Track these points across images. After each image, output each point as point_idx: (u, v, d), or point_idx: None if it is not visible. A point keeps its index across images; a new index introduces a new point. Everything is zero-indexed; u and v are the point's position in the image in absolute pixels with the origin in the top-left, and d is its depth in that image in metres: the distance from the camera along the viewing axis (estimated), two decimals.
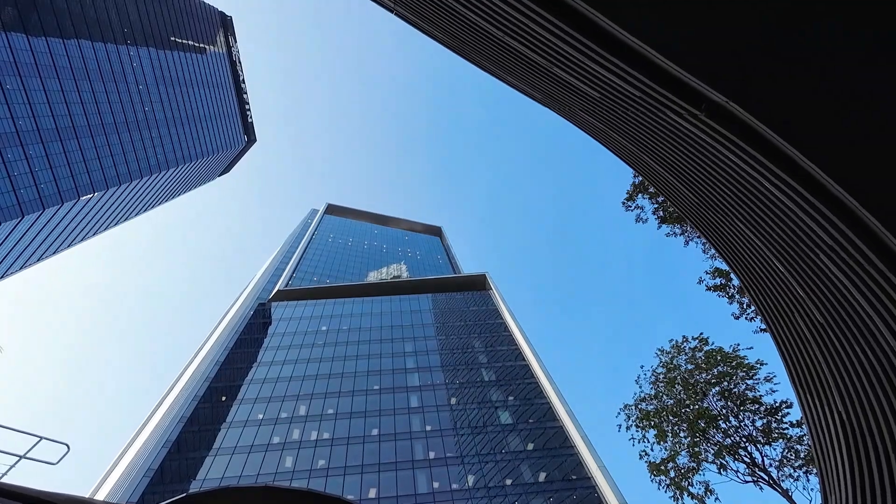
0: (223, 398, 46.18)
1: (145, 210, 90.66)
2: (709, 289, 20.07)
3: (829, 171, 4.84)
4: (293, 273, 79.47)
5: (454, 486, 36.46)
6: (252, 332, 59.03)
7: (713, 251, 19.97)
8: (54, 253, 68.25)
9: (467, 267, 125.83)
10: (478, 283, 76.72)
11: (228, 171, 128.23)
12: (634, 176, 21.92)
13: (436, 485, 36.46)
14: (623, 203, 22.53)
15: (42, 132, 56.53)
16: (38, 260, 65.89)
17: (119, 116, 71.36)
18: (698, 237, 19.83)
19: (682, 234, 20.40)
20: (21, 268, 63.14)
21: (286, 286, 71.91)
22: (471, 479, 37.12)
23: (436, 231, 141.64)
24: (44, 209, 56.68)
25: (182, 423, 40.22)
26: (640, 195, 21.66)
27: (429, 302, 69.28)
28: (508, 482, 36.85)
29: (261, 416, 43.21)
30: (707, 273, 20.04)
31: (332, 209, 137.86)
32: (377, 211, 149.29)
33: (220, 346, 52.25)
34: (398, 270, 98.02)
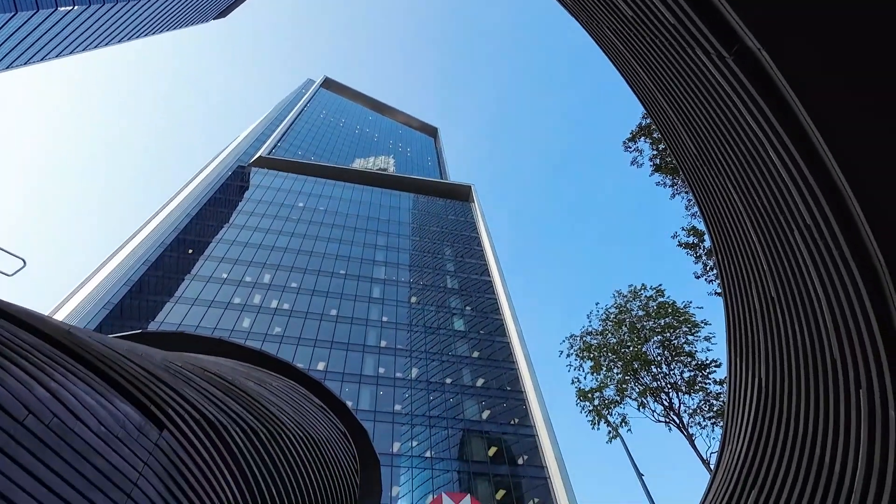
0: (190, 251, 46.52)
1: (128, 38, 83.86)
2: (680, 245, 20.55)
3: (834, 150, 4.70)
4: (278, 142, 76.95)
5: (398, 374, 38.99)
6: (227, 193, 58.23)
7: (696, 210, 20.13)
8: (25, 63, 63.50)
9: (455, 176, 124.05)
10: (462, 194, 76.38)
11: (225, 15, 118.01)
12: (643, 117, 21.30)
13: (381, 370, 38.90)
14: (624, 143, 22.09)
15: None
16: (7, 67, 61.37)
17: None
18: (686, 192, 19.86)
19: (671, 185, 20.40)
20: None
21: (269, 154, 69.90)
22: (414, 372, 39.67)
23: (431, 131, 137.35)
24: (16, 12, 51.68)
25: (146, 265, 40.67)
26: (642, 138, 21.25)
27: (409, 201, 69.04)
28: (448, 381, 39.60)
29: (225, 276, 44.03)
30: (683, 230, 20.42)
31: (328, 84, 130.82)
32: (375, 96, 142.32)
33: (193, 200, 51.57)
34: (385, 163, 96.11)
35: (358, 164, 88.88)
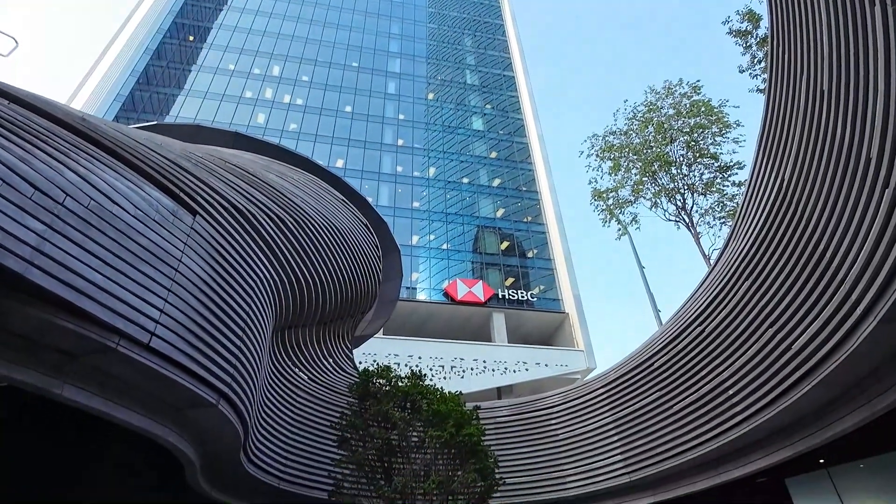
0: (191, 38, 43.31)
1: None
2: (730, 32, 18.21)
3: None
4: None
5: (416, 173, 39.64)
6: None
7: None
8: None
9: None
10: None
11: None
12: None
13: (399, 169, 39.46)
14: None
15: None
16: None
17: None
18: None
19: None
20: None
21: None
22: (432, 171, 40.22)
23: None
24: None
25: (148, 54, 38.44)
26: None
27: None
28: (465, 180, 40.36)
29: (232, 67, 41.76)
30: (738, 13, 17.77)
31: None
32: None
33: None
34: None
35: None
